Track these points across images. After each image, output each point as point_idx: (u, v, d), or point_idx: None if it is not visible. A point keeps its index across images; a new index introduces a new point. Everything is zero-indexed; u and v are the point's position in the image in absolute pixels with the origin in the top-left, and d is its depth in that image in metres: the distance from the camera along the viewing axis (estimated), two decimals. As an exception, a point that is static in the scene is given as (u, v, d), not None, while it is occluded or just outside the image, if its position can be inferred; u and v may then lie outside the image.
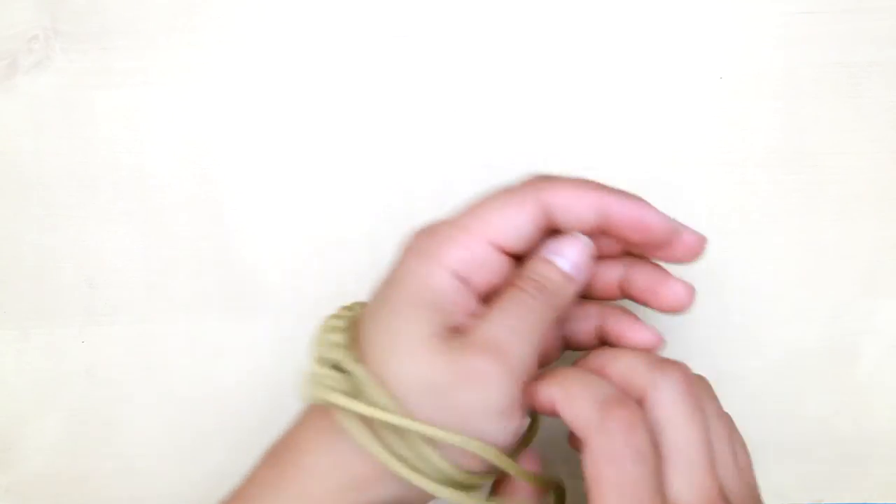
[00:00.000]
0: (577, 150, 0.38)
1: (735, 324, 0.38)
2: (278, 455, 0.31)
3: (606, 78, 0.38)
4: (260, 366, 0.39)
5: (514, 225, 0.30)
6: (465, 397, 0.28)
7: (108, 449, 0.39)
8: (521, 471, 0.30)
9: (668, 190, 0.38)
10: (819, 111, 0.38)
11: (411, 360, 0.28)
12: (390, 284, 0.31)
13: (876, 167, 0.38)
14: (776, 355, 0.38)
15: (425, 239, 0.31)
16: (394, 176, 0.39)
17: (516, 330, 0.29)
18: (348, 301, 0.33)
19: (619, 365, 0.30)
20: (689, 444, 0.28)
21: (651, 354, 0.30)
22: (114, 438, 0.39)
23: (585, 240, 0.32)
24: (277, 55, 0.39)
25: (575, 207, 0.31)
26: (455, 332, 0.29)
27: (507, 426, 0.29)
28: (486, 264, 0.30)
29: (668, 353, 0.30)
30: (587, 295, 0.33)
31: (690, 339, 0.38)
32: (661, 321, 0.36)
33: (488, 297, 0.31)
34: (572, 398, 0.29)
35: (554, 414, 0.30)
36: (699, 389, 0.30)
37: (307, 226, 0.39)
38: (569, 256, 0.31)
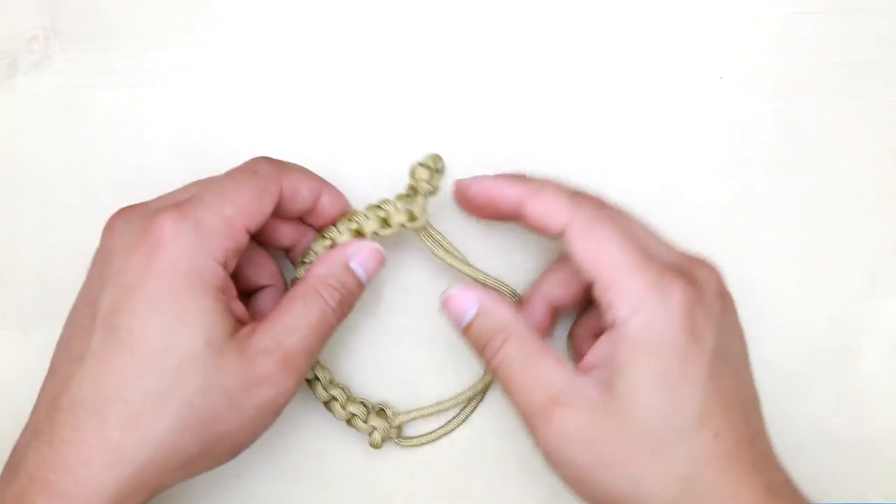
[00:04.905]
0: (577, 150, 0.38)
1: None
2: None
3: (606, 78, 0.38)
4: (260, 366, 0.39)
5: (263, 211, 0.31)
6: (255, 401, 0.29)
7: (108, 449, 0.39)
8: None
9: (669, 190, 0.38)
10: (819, 111, 0.38)
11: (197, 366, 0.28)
12: (147, 273, 0.29)
13: (876, 167, 0.38)
14: (776, 355, 0.38)
15: (184, 224, 0.29)
16: (393, 176, 0.38)
17: (313, 335, 0.30)
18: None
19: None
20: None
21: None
22: (114, 438, 0.39)
23: (378, 248, 0.33)
24: (277, 55, 0.39)
25: (302, 191, 0.32)
26: (235, 330, 0.29)
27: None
28: (241, 250, 0.31)
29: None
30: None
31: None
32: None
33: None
34: (541, 193, 0.31)
35: (511, 216, 0.32)
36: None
37: (307, 226, 0.39)
38: (366, 266, 0.33)
